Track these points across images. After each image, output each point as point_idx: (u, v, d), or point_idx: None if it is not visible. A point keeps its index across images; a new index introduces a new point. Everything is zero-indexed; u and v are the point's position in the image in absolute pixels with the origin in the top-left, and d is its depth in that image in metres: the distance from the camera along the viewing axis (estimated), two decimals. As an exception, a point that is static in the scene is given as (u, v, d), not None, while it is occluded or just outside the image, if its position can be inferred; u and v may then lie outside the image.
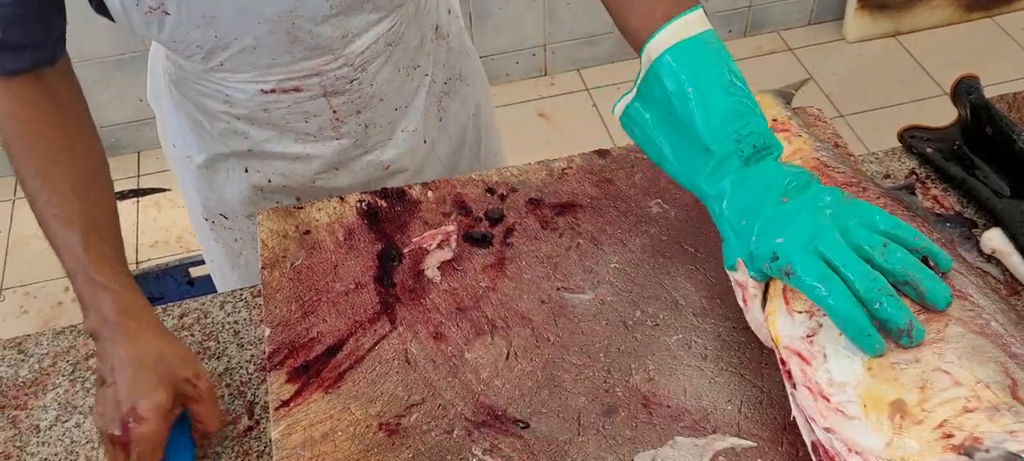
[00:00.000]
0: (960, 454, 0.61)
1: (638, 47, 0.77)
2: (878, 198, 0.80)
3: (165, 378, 0.75)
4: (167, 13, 0.84)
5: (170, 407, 0.75)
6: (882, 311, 0.65)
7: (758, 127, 0.73)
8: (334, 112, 0.98)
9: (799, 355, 0.69)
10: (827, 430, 0.66)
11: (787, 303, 0.72)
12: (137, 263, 2.21)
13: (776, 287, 0.74)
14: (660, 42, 0.74)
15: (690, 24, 0.74)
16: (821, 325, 0.70)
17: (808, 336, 0.70)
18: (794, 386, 0.69)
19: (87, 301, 0.78)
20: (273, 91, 0.94)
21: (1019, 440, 0.60)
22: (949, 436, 0.62)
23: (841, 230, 0.69)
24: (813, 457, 0.68)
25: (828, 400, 0.66)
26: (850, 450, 0.64)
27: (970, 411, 0.63)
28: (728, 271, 0.75)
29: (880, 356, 0.67)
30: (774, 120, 0.93)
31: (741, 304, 0.76)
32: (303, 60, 0.91)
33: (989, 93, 0.98)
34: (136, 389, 0.74)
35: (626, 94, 0.79)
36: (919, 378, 0.65)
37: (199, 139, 1.03)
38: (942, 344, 0.67)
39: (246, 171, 1.04)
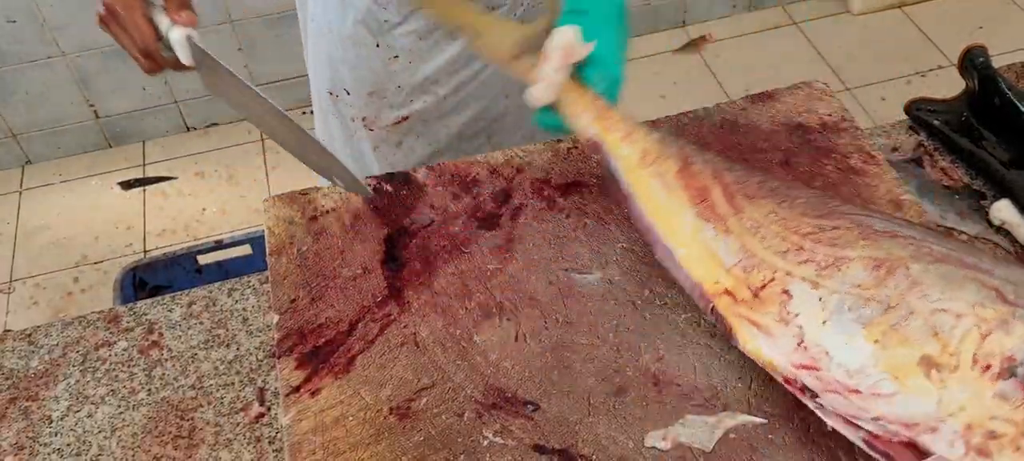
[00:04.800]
0: (1006, 379, 0.60)
1: None
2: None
3: None
4: None
5: None
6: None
7: None
8: None
9: (805, 366, 0.67)
10: (876, 419, 0.63)
11: (757, 325, 0.70)
12: (145, 252, 2.21)
13: (739, 317, 0.71)
14: None
15: None
16: (801, 328, 0.68)
17: (799, 344, 0.67)
18: (817, 396, 0.66)
19: None
20: None
21: None
22: (987, 368, 0.61)
23: None
24: (872, 454, 0.64)
25: (860, 392, 0.64)
26: (906, 426, 0.62)
27: (986, 336, 0.62)
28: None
29: (874, 323, 0.66)
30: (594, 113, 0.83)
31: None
32: None
33: (997, 63, 0.98)
34: None
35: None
36: (926, 327, 0.64)
37: (342, 12, 1.08)
38: (921, 287, 0.66)
39: (377, 46, 1.09)
